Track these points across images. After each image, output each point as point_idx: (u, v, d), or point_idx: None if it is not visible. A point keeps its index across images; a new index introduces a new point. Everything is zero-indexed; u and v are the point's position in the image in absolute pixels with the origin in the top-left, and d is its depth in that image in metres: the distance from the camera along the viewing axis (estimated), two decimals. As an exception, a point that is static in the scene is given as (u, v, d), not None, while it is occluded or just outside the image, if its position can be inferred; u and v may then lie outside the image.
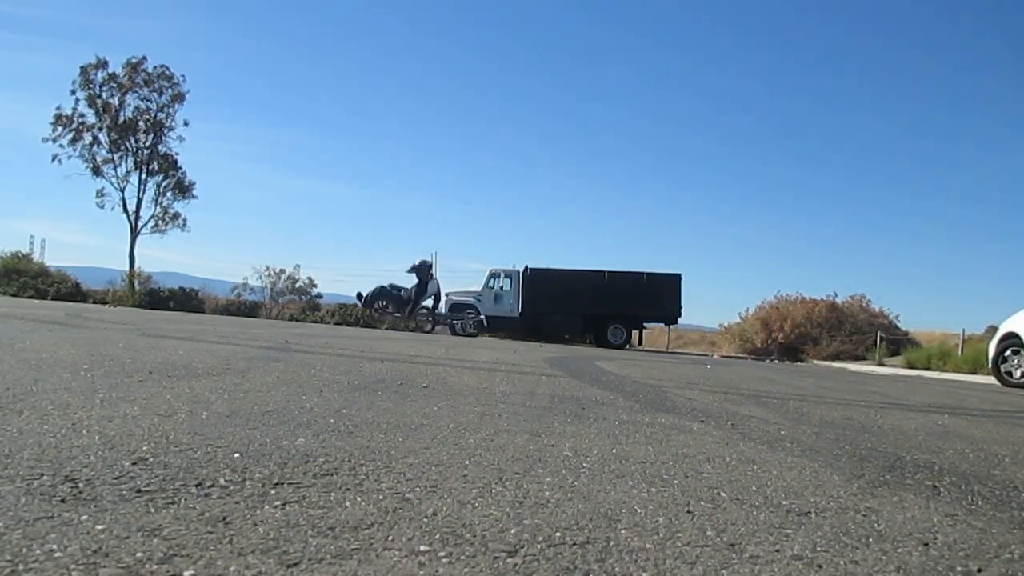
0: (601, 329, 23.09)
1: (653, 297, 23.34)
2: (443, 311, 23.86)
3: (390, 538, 1.11)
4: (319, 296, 29.33)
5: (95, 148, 26.47)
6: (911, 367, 16.67)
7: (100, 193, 26.14)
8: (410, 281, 19.30)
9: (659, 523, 1.30)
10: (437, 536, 1.13)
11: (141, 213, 26.49)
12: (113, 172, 26.57)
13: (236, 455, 1.55)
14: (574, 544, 1.14)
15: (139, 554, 0.96)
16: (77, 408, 1.93)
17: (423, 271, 18.90)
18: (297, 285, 28.11)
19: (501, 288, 23.66)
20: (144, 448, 1.55)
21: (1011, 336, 10.05)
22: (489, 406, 2.68)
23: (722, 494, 1.57)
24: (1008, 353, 10.00)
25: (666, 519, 1.33)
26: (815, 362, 20.73)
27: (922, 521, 1.47)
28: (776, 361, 20.00)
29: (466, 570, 1.00)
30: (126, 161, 26.83)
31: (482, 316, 20.66)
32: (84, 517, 1.08)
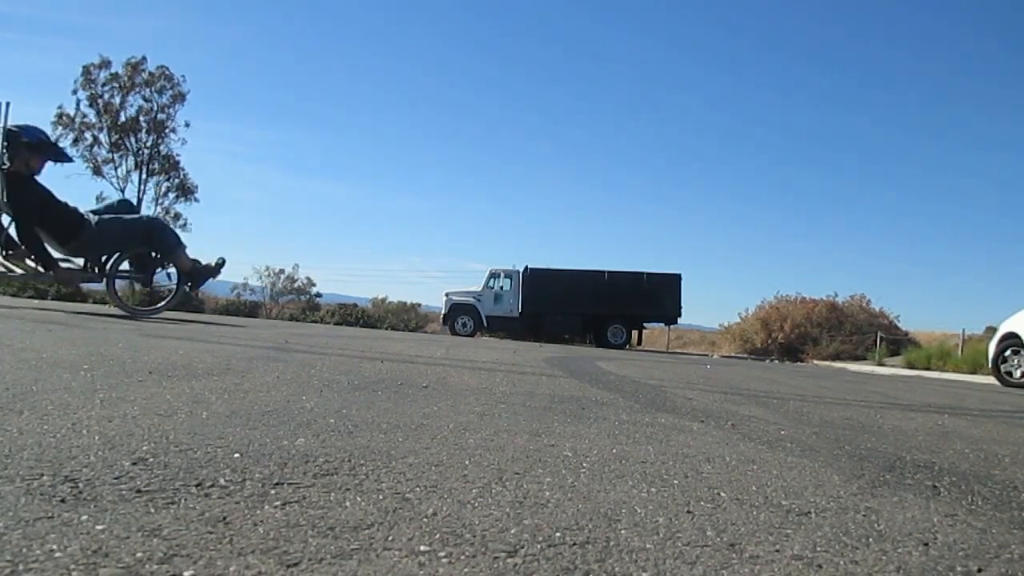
0: (601, 329, 23.07)
1: (653, 297, 23.35)
2: (443, 310, 23.80)
3: (390, 538, 1.11)
4: (318, 296, 29.31)
5: (96, 148, 26.47)
6: (911, 367, 16.67)
7: (100, 198, 26.12)
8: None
9: (659, 523, 1.30)
10: (437, 536, 1.13)
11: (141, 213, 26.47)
12: (114, 172, 26.56)
13: (236, 455, 1.55)
14: (574, 544, 1.14)
15: (139, 554, 0.96)
16: (77, 408, 1.93)
17: None
18: (296, 285, 28.16)
19: (501, 288, 23.65)
20: (144, 448, 1.55)
21: (1011, 336, 10.06)
22: (489, 406, 2.68)
23: (722, 494, 1.57)
24: (1008, 353, 10.00)
25: (666, 519, 1.33)
26: (815, 362, 20.72)
27: (922, 521, 1.47)
28: (776, 361, 19.98)
29: (466, 570, 1.00)
30: (127, 161, 26.82)
31: None
32: (84, 517, 1.08)
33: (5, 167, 6.88)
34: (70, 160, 7.36)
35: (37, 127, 7.27)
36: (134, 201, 26.41)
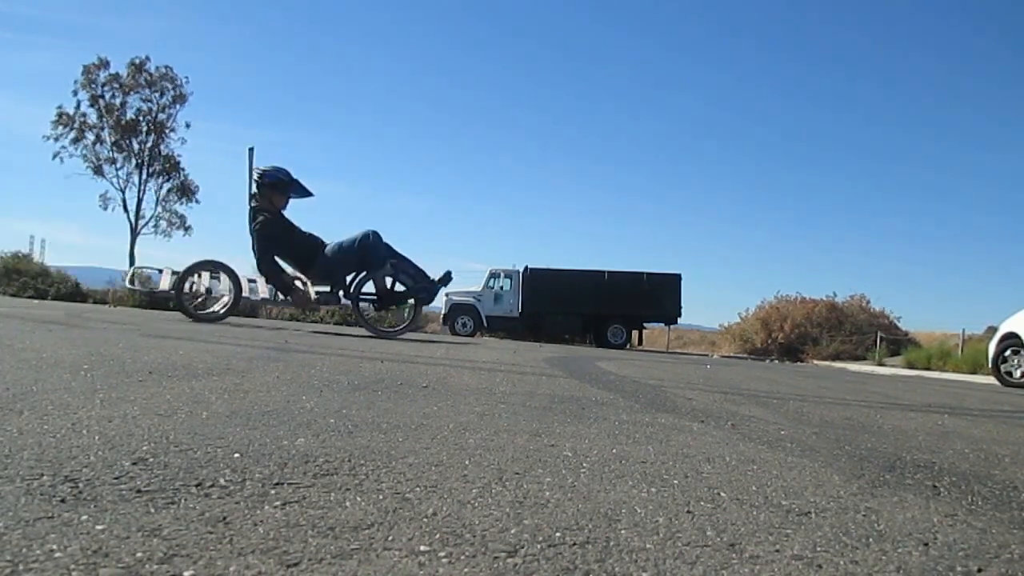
0: (601, 329, 23.06)
1: (653, 297, 23.35)
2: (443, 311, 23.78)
3: (390, 538, 1.11)
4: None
5: (97, 148, 26.48)
6: (911, 367, 16.67)
7: (104, 197, 26.18)
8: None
9: (659, 523, 1.30)
10: (437, 536, 1.13)
11: (143, 213, 26.51)
12: (114, 172, 26.57)
13: (236, 455, 1.55)
14: (574, 544, 1.14)
15: (139, 554, 0.96)
16: (77, 408, 1.93)
17: None
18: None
19: (501, 288, 23.65)
20: (144, 448, 1.55)
21: (1011, 336, 10.07)
22: (489, 406, 2.68)
23: (722, 494, 1.57)
24: (1008, 353, 10.01)
25: (666, 519, 1.33)
26: (815, 362, 20.73)
27: (922, 521, 1.47)
28: (776, 361, 19.99)
29: (466, 570, 1.00)
30: (128, 161, 26.82)
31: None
32: (84, 517, 1.08)
33: (253, 205, 7.72)
34: (311, 195, 8.18)
35: (280, 167, 8.10)
36: (135, 201, 26.41)
